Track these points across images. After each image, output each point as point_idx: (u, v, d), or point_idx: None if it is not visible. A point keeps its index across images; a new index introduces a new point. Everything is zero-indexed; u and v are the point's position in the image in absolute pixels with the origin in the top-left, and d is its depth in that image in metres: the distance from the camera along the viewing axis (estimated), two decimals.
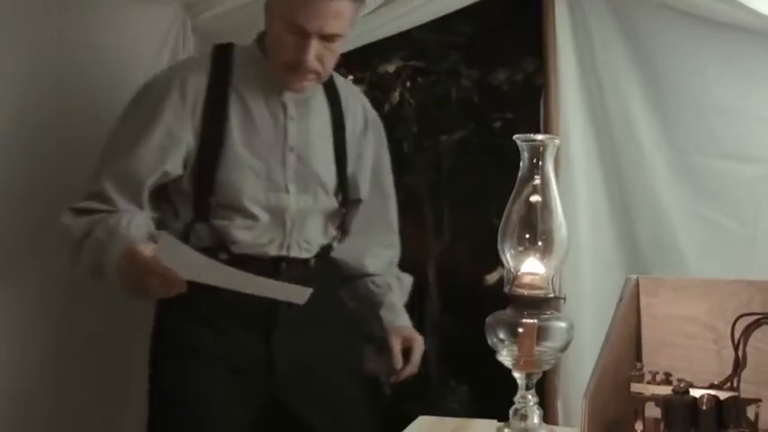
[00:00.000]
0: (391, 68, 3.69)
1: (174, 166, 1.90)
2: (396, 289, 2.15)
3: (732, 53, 2.44)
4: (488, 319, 1.35)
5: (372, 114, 2.17)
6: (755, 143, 2.43)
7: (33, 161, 2.04)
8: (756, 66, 2.42)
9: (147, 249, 1.72)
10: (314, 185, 1.99)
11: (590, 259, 2.56)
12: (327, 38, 1.87)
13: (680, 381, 0.85)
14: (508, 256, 1.34)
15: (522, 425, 1.35)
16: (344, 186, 2.05)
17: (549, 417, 2.32)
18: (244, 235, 1.91)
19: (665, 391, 0.84)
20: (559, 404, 2.56)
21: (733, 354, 0.86)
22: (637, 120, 2.54)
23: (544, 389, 2.49)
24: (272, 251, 1.93)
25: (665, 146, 2.52)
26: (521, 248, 1.32)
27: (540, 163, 1.34)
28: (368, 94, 3.68)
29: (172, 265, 1.68)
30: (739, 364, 0.85)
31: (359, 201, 2.12)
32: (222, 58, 1.97)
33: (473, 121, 3.76)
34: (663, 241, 2.51)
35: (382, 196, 2.18)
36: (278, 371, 1.94)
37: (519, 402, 1.36)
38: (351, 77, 3.57)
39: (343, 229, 2.10)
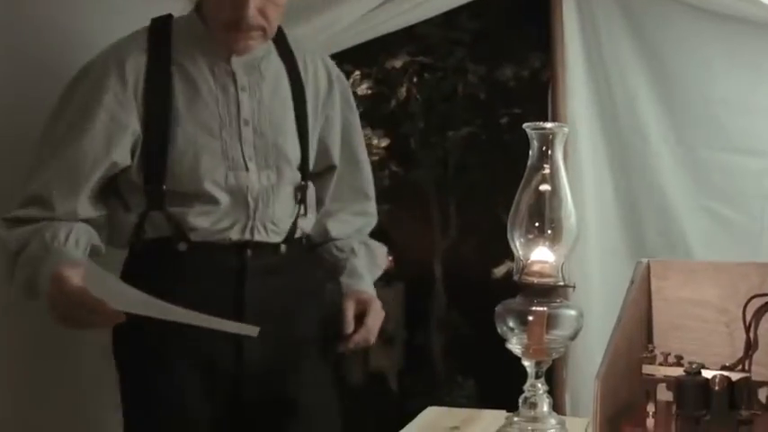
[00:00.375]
0: (398, 64, 3.69)
1: (123, 155, 1.73)
2: (361, 254, 1.96)
3: (739, 46, 2.44)
4: (498, 308, 1.35)
5: (336, 72, 1.97)
6: (762, 137, 2.43)
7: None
8: (763, 59, 2.42)
9: (75, 276, 1.55)
10: (275, 160, 1.81)
11: (597, 254, 2.57)
12: None
13: (691, 363, 0.85)
14: (518, 245, 1.34)
15: (532, 413, 1.35)
16: (307, 157, 1.87)
17: (556, 409, 2.31)
18: (202, 221, 1.75)
19: (677, 372, 0.84)
20: (567, 397, 2.56)
21: (744, 336, 0.86)
22: (644, 114, 2.54)
23: (552, 381, 2.49)
24: (235, 236, 1.76)
25: (672, 139, 2.52)
26: (530, 236, 1.32)
27: (550, 152, 1.35)
28: (375, 89, 3.72)
29: (103, 296, 1.52)
30: (751, 346, 0.86)
31: (333, 167, 1.96)
32: (160, 32, 1.80)
33: (480, 116, 3.77)
34: (670, 235, 2.52)
35: (352, 161, 1.98)
36: (247, 368, 1.78)
37: (528, 391, 1.36)
38: (357, 73, 3.59)
39: (319, 202, 1.94)
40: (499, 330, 1.35)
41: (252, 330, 1.56)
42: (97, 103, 1.72)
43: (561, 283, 1.32)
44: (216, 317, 1.57)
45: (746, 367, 0.85)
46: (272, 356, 1.79)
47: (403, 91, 3.74)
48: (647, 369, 0.84)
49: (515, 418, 1.36)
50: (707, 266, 0.91)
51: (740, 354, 0.86)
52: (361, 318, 1.85)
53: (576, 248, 1.39)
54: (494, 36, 3.70)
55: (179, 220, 1.74)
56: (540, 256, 1.33)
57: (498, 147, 3.66)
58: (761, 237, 2.43)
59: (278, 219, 1.82)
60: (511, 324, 1.33)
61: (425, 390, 3.63)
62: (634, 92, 2.54)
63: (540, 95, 2.98)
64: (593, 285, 2.48)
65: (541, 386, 1.36)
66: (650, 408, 0.84)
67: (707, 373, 0.83)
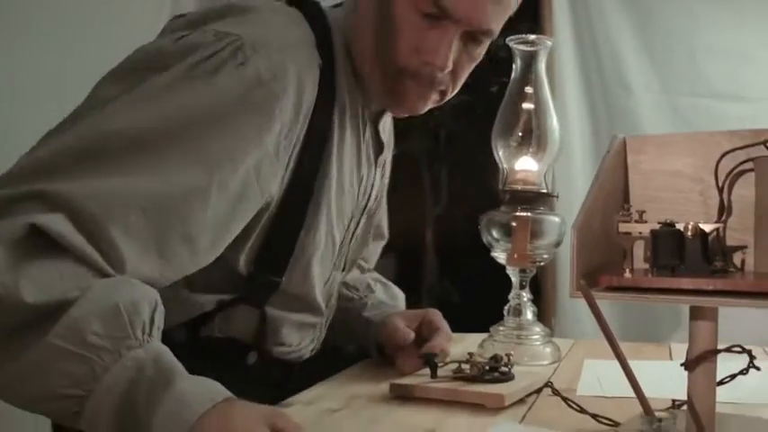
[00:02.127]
0: None
1: (241, 226, 1.06)
2: (378, 289, 1.48)
3: None
4: (482, 219, 1.37)
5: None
6: (744, 83, 2.47)
7: None
8: (746, 6, 2.45)
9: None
10: (364, 249, 1.41)
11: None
12: (475, 37, 1.16)
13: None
14: (501, 154, 1.36)
15: (517, 320, 1.37)
16: None
17: None
18: (294, 335, 1.22)
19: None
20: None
21: (718, 203, 0.88)
22: (628, 63, 2.58)
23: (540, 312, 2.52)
24: (308, 353, 1.28)
25: (655, 87, 2.56)
26: (513, 144, 1.35)
27: (533, 64, 1.37)
28: None
29: None
30: (725, 209, 0.88)
31: None
32: (322, 38, 1.14)
33: (470, 85, 3.79)
34: None
35: (379, 236, 1.52)
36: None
37: (513, 299, 1.38)
38: None
39: None
40: (484, 240, 1.37)
41: None
42: (262, 134, 1.02)
43: (545, 191, 1.35)
44: None
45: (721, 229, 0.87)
46: None
47: None
48: (623, 228, 0.86)
49: (500, 327, 1.38)
50: (681, 138, 0.93)
51: (714, 220, 0.88)
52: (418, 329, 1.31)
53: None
54: None
55: (272, 327, 1.18)
56: (524, 166, 1.36)
57: (489, 115, 3.67)
58: None
59: None
60: (495, 234, 1.35)
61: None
62: (619, 45, 2.58)
63: None
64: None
65: (526, 294, 1.38)
66: (627, 265, 0.86)
67: (681, 228, 0.84)
